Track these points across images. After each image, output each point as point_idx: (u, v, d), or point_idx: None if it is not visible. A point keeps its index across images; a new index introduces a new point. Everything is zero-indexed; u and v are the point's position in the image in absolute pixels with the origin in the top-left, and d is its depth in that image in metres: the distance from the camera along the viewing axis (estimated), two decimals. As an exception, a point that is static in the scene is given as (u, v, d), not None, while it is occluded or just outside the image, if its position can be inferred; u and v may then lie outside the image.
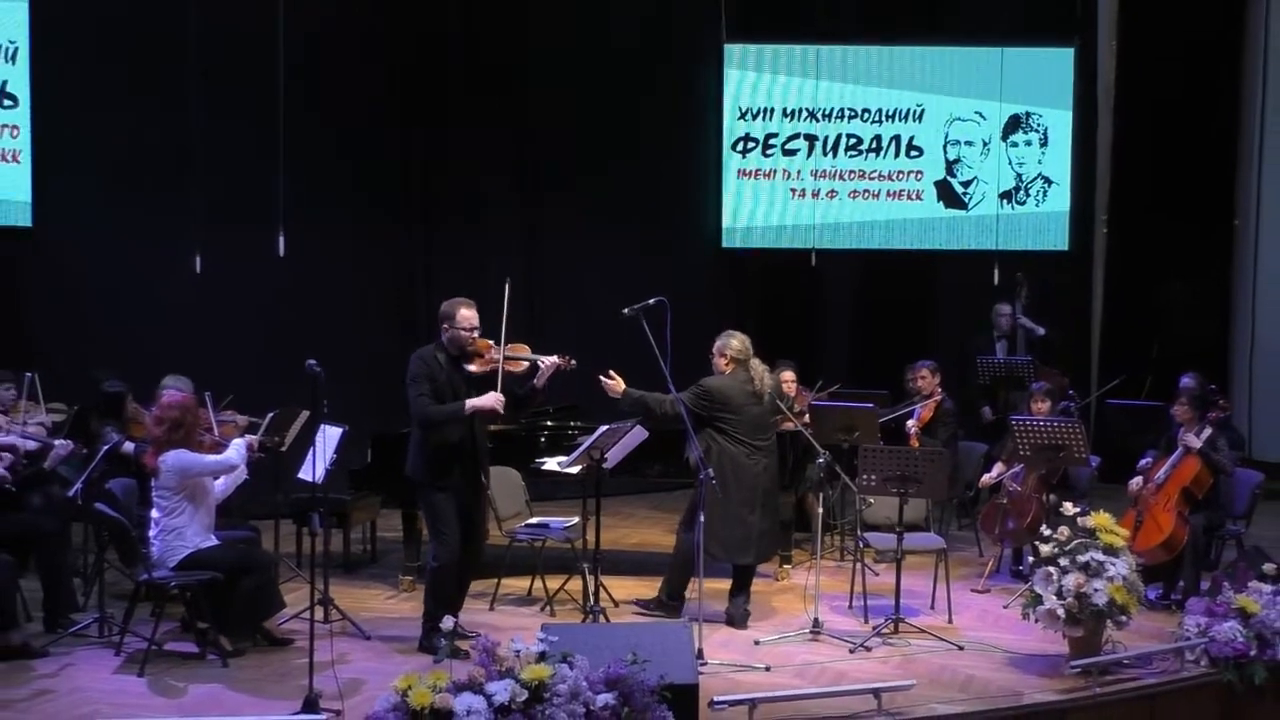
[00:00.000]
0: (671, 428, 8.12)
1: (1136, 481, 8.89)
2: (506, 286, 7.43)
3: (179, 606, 7.75)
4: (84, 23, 10.81)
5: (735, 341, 8.22)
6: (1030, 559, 7.62)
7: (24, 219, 10.82)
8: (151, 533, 7.49)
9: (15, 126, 10.69)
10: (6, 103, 10.67)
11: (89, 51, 10.91)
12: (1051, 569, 7.26)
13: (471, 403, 7.43)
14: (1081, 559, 7.21)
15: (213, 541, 7.56)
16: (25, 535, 8.02)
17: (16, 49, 10.63)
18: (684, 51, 13.09)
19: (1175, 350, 12.13)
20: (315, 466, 7.73)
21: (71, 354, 10.00)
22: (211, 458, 7.62)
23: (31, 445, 8.33)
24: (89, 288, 10.92)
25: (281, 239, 11.19)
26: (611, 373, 7.94)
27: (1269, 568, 7.71)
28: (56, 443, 8.38)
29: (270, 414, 8.73)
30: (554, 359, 7.63)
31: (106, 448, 8.18)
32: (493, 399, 7.43)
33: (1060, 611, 7.19)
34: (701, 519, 7.57)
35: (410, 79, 12.28)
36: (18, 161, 10.72)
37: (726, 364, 8.18)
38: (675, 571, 8.31)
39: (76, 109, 10.92)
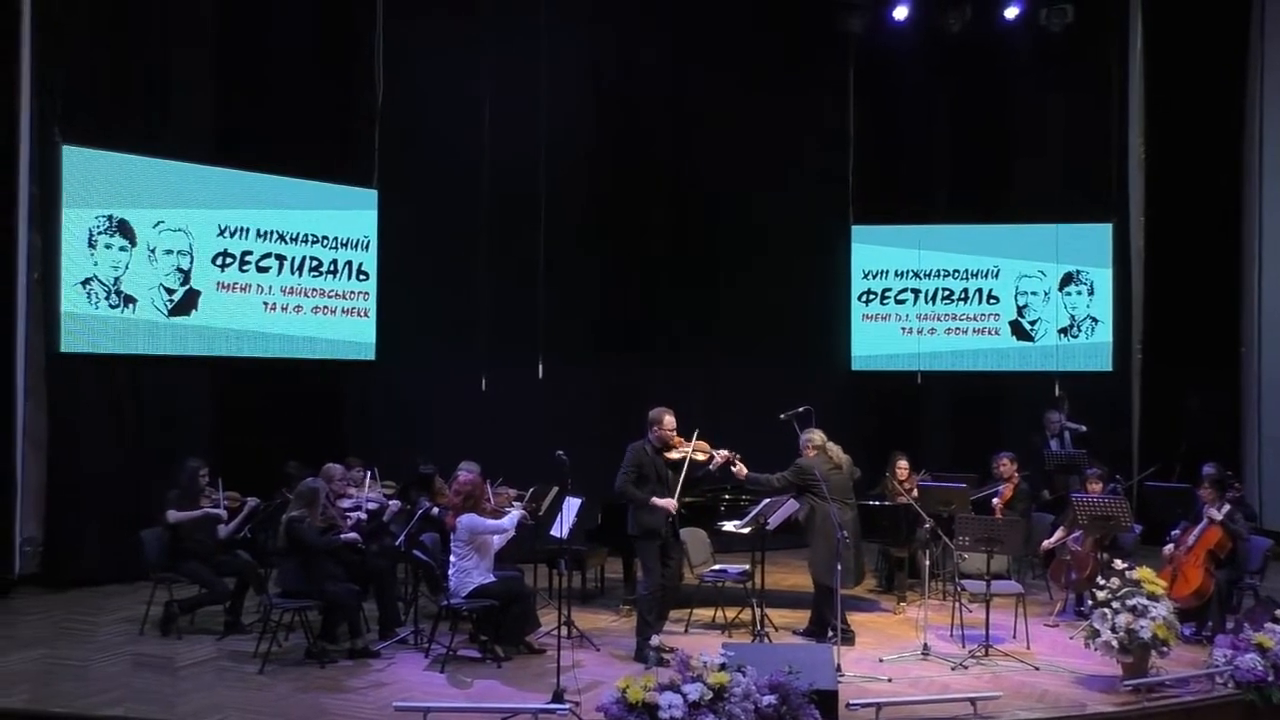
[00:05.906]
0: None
1: (1169, 547, 8.41)
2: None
3: (468, 624, 7.84)
4: (406, 222, 11.33)
5: (815, 435, 8.19)
6: (1089, 602, 7.21)
7: (370, 355, 11.27)
8: (450, 572, 7.62)
9: (366, 292, 11.25)
10: (361, 277, 11.23)
11: (410, 240, 11.39)
12: (1106, 610, 6.91)
13: (658, 501, 7.48)
14: (1130, 603, 6.85)
15: (491, 579, 7.64)
16: (367, 572, 8.23)
17: (369, 241, 11.24)
18: (825, 232, 13.07)
19: (1198, 445, 11.46)
20: (562, 526, 7.81)
21: (399, 447, 10.27)
22: (492, 521, 7.72)
23: (374, 506, 8.63)
24: (411, 403, 11.22)
25: (540, 366, 11.48)
26: (737, 462, 7.85)
27: (1280, 613, 7.24)
28: (391, 503, 8.70)
29: (531, 489, 8.84)
30: (725, 453, 7.74)
31: (421, 512, 8.37)
32: (671, 505, 7.50)
33: (1114, 643, 6.83)
34: (839, 569, 7.40)
35: (626, 257, 12.39)
36: (367, 317, 11.25)
37: (812, 450, 8.12)
38: (816, 606, 8.13)
39: (405, 278, 11.40)
